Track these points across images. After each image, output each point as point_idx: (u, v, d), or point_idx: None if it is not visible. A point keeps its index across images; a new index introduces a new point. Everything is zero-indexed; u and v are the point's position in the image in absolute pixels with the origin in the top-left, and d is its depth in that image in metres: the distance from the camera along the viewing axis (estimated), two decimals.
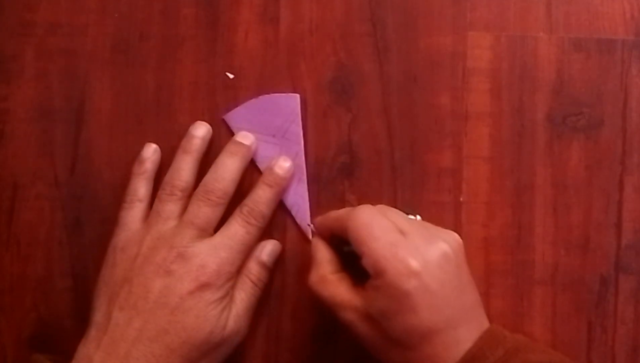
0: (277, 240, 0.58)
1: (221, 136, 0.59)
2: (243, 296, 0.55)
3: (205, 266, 0.52)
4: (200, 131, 0.57)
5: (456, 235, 0.51)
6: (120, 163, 0.59)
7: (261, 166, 0.58)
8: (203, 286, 0.52)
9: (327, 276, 0.52)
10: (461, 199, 0.57)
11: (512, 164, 0.57)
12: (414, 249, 0.49)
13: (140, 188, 0.57)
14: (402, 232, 0.50)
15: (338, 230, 0.52)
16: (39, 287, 0.59)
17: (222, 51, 0.59)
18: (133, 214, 0.56)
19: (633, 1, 0.56)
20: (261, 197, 0.56)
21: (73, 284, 0.59)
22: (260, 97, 0.58)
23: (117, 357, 0.51)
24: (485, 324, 0.51)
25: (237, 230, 0.54)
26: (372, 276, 0.49)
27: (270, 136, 0.58)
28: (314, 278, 0.52)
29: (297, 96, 0.58)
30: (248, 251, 0.55)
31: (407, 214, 0.54)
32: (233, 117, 0.58)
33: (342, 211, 0.53)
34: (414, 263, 0.48)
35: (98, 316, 0.53)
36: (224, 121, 0.58)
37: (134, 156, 0.59)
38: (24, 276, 0.59)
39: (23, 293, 0.59)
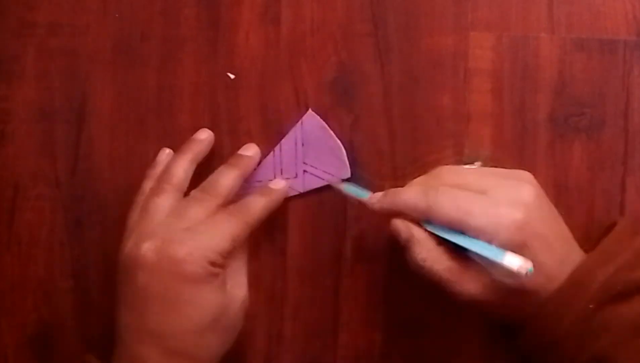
0: (279, 240, 0.58)
1: (222, 138, 0.59)
2: (238, 261, 0.54)
3: (179, 248, 0.51)
4: (201, 134, 0.58)
5: (527, 172, 0.52)
6: (121, 163, 0.59)
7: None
8: (179, 268, 0.50)
9: (436, 249, 0.51)
10: None
11: (514, 164, 0.57)
12: (508, 202, 0.49)
13: (148, 188, 0.56)
14: (482, 191, 0.50)
15: (413, 216, 0.51)
16: (40, 288, 0.59)
17: (223, 51, 0.59)
18: (136, 214, 0.55)
19: (635, 2, 0.56)
20: (251, 201, 0.55)
21: (74, 285, 0.59)
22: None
23: (128, 357, 0.51)
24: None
25: (217, 218, 0.53)
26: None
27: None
28: (422, 254, 0.51)
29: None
30: (232, 241, 0.52)
31: (470, 163, 0.55)
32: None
33: (414, 199, 0.51)
34: (518, 214, 0.49)
35: (115, 324, 0.53)
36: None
37: (135, 156, 0.59)
38: (25, 277, 0.59)
39: (24, 294, 0.59)
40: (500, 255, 0.47)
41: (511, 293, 0.49)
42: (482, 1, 0.57)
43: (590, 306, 0.48)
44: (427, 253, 0.51)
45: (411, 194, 0.52)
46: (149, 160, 0.59)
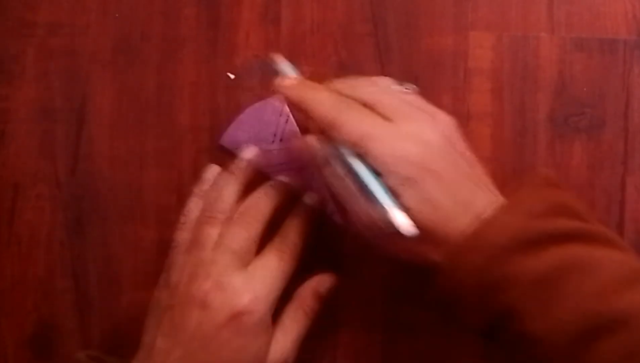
0: None
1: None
2: (295, 327, 0.54)
3: (239, 297, 0.51)
4: (248, 153, 0.56)
5: (446, 115, 0.51)
6: (121, 163, 0.59)
7: (275, 174, 0.58)
8: (236, 317, 0.51)
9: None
10: None
11: (514, 164, 0.57)
12: (409, 135, 0.49)
13: (196, 208, 0.56)
14: (391, 118, 0.49)
15: (318, 125, 0.51)
16: (40, 288, 0.59)
17: (223, 51, 0.59)
18: (185, 235, 0.55)
19: (635, 1, 0.56)
20: (290, 226, 0.55)
21: (74, 284, 0.59)
22: (245, 110, 0.58)
23: None
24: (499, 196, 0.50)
25: (270, 258, 0.53)
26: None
27: (270, 143, 0.58)
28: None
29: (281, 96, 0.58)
30: (285, 280, 0.53)
31: (401, 84, 0.54)
32: (227, 139, 0.58)
33: (323, 107, 0.51)
34: (413, 149, 0.48)
35: (146, 338, 0.53)
36: (224, 140, 0.58)
37: (135, 156, 0.59)
38: (25, 277, 0.59)
39: (24, 294, 0.59)
40: (390, 206, 0.46)
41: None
42: (482, 1, 0.57)
43: (493, 253, 0.47)
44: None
45: (323, 100, 0.51)
46: (149, 160, 0.59)
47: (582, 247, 0.47)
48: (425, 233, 0.48)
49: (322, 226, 0.58)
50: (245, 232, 0.53)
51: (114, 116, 0.59)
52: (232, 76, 0.59)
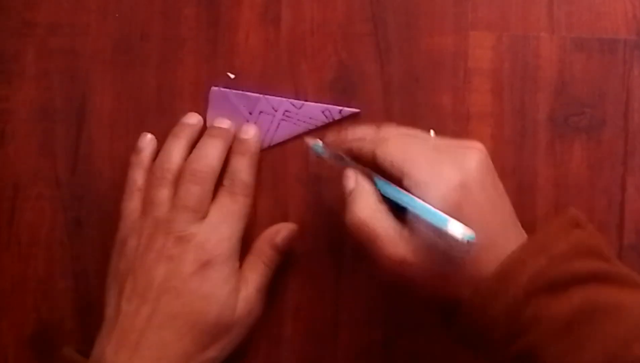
0: None
1: None
2: (255, 276, 0.55)
3: (204, 244, 0.52)
4: (192, 119, 0.58)
5: (480, 143, 0.50)
6: (121, 163, 0.59)
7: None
8: (205, 265, 0.52)
9: (378, 205, 0.50)
10: None
11: (514, 164, 0.57)
12: (453, 163, 0.48)
13: (138, 177, 0.56)
14: (434, 148, 0.49)
15: (361, 154, 0.51)
16: (40, 287, 0.59)
17: (223, 51, 0.59)
18: (133, 204, 0.56)
19: (635, 1, 0.56)
20: (236, 166, 0.56)
21: (74, 284, 0.59)
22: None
23: (128, 347, 0.51)
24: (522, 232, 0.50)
25: (223, 203, 0.54)
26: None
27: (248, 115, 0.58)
28: (364, 210, 0.49)
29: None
30: (242, 219, 0.55)
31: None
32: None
33: (366, 130, 0.52)
34: (457, 176, 0.47)
35: (109, 310, 0.53)
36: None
37: None
38: (25, 277, 0.59)
39: (24, 294, 0.59)
40: (444, 221, 0.45)
41: (440, 260, 0.47)
42: (482, 1, 0.57)
43: (519, 294, 0.47)
44: (369, 207, 0.49)
45: (364, 127, 0.53)
46: None
47: (606, 289, 0.47)
48: (458, 262, 0.47)
49: (321, 227, 0.58)
50: (198, 187, 0.54)
51: (113, 115, 0.59)
52: (232, 76, 0.59)
